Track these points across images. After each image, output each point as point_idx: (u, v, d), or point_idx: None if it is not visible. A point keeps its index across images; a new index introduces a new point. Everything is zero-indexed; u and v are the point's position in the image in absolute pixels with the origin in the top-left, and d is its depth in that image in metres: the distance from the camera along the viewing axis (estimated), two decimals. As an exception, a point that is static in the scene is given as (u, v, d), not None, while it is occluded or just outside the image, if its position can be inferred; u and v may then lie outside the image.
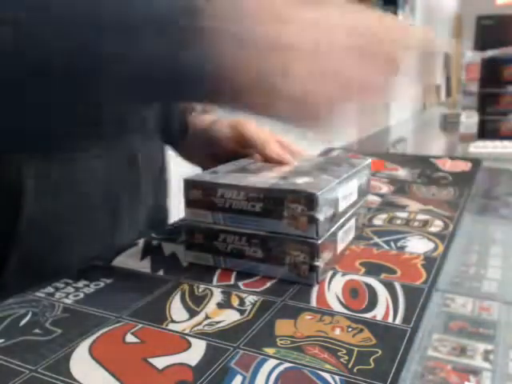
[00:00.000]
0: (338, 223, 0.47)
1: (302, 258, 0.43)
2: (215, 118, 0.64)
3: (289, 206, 0.42)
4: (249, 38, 0.31)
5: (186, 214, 0.47)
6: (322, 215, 0.42)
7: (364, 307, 0.39)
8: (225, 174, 0.48)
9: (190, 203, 0.47)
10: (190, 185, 0.46)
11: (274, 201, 0.43)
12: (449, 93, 6.27)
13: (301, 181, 0.45)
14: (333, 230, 0.45)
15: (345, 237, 0.49)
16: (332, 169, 0.51)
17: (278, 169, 0.51)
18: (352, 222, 0.52)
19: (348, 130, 0.41)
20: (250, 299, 0.41)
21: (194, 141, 0.65)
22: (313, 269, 0.43)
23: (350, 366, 0.32)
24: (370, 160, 0.57)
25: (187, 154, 0.69)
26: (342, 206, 0.47)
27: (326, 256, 0.44)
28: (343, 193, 0.47)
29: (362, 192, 0.54)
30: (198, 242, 0.47)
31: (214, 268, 0.47)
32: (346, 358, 0.32)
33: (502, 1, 6.99)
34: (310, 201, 0.41)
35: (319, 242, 0.42)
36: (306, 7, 0.33)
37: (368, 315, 0.38)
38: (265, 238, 0.44)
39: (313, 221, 0.42)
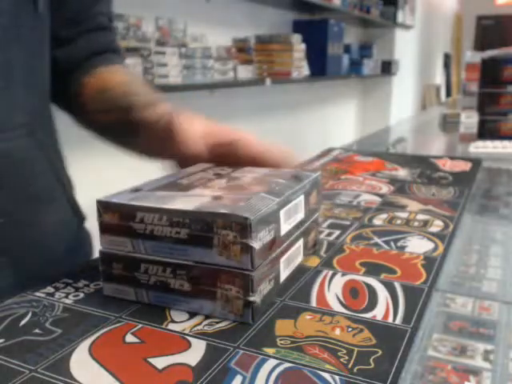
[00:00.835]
0: (280, 248, 0.41)
1: (235, 292, 0.37)
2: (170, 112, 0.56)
3: (219, 232, 0.36)
4: None
5: (101, 241, 0.41)
6: (257, 243, 0.36)
7: (364, 307, 0.39)
8: (148, 194, 0.41)
9: (105, 229, 0.40)
10: (104, 208, 0.40)
11: (201, 226, 0.36)
12: (449, 93, 6.27)
13: (234, 201, 0.38)
14: (272, 257, 0.39)
15: (289, 263, 0.43)
16: (274, 184, 0.43)
17: (214, 183, 0.44)
18: (299, 243, 0.45)
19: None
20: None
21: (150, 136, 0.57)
22: (248, 305, 0.36)
23: (350, 366, 0.32)
24: (319, 173, 0.49)
25: (143, 151, 0.61)
26: (284, 230, 0.41)
27: (263, 289, 0.38)
28: (286, 214, 0.41)
29: (311, 210, 0.47)
30: (117, 274, 0.40)
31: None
32: (346, 357, 0.32)
33: (502, 1, 6.99)
34: (243, 227, 0.35)
35: (254, 273, 0.36)
36: None
37: (368, 315, 0.38)
38: (192, 269, 0.38)
39: (247, 250, 0.35)
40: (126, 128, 0.57)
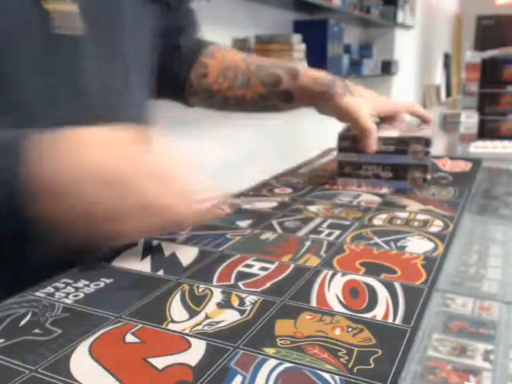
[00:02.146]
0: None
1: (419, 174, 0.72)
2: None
3: (412, 146, 0.71)
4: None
5: (338, 156, 0.75)
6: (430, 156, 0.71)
7: (364, 307, 0.39)
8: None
9: (341, 149, 0.74)
10: (342, 137, 0.74)
11: (403, 143, 0.71)
12: (449, 93, 6.27)
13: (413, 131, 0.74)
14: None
15: None
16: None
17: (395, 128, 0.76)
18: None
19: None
20: (249, 299, 0.41)
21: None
22: (425, 180, 0.72)
23: (349, 365, 0.32)
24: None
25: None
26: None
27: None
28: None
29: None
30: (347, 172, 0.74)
31: (214, 268, 0.47)
32: (346, 357, 0.32)
33: (501, 1, 6.98)
34: (426, 142, 0.71)
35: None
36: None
37: (368, 315, 0.38)
38: (394, 166, 0.73)
39: (427, 154, 0.71)
40: (276, 97, 0.72)
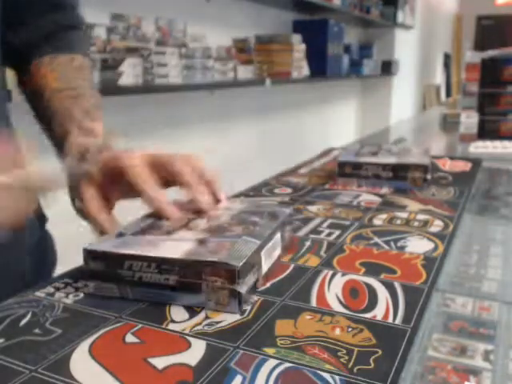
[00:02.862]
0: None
1: None
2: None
3: (208, 278, 0.38)
4: None
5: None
6: (244, 287, 0.38)
7: (364, 307, 0.39)
8: (133, 239, 0.43)
9: (92, 275, 0.41)
10: (91, 256, 0.41)
11: (190, 274, 0.38)
12: (449, 93, 6.27)
13: (219, 246, 0.40)
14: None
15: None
16: (252, 224, 0.45)
17: (196, 224, 0.45)
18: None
19: None
20: (249, 299, 0.41)
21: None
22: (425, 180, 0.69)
23: (350, 366, 0.32)
24: (291, 208, 0.53)
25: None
26: (264, 269, 0.43)
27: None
28: (266, 253, 0.43)
29: (285, 246, 0.49)
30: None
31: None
32: (346, 357, 0.32)
33: (501, 1, 6.99)
34: (231, 274, 0.37)
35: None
36: None
37: (368, 315, 0.38)
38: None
39: (234, 295, 0.38)
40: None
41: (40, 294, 0.42)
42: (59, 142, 0.55)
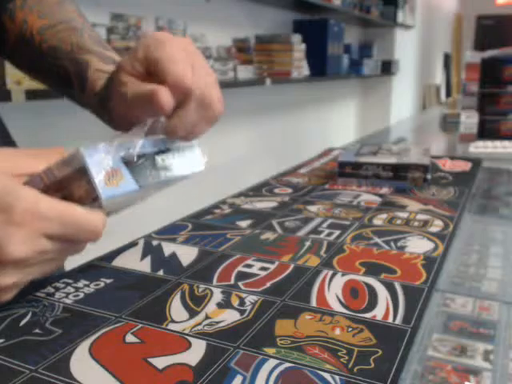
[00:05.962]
0: None
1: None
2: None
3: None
4: None
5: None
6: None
7: (364, 307, 0.39)
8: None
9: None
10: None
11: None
12: (449, 93, 6.27)
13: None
14: None
15: None
16: None
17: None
18: None
19: None
20: (249, 299, 0.41)
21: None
22: (425, 180, 0.75)
23: (350, 366, 0.32)
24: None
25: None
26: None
27: None
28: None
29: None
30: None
31: (214, 268, 0.47)
32: (346, 357, 0.32)
33: (501, 1, 6.99)
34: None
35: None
36: None
37: (368, 315, 0.38)
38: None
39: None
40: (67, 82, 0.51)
41: (40, 294, 0.42)
42: (76, 79, 0.50)
